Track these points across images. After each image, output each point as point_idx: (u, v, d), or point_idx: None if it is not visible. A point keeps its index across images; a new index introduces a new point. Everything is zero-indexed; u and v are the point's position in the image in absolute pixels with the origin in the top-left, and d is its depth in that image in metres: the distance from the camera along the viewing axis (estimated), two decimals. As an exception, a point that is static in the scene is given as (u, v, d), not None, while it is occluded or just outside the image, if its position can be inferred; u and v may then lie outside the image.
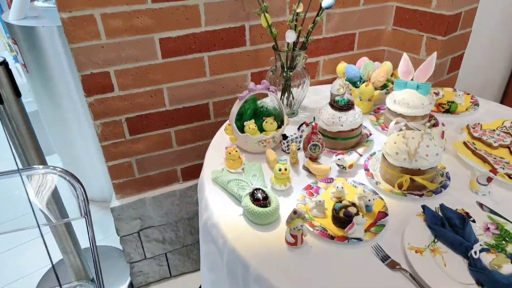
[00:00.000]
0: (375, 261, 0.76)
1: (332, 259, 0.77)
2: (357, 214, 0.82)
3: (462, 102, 1.30)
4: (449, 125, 1.19)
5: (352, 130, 1.07)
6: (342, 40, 1.51)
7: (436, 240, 0.79)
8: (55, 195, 1.27)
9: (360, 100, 1.28)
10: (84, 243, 1.92)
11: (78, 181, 1.07)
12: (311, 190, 0.94)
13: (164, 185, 1.53)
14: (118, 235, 1.55)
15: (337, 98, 1.10)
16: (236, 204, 0.92)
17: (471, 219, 0.82)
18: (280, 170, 0.92)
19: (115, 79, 1.22)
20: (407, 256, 0.75)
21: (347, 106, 1.07)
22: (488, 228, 0.80)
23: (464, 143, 1.07)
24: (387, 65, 1.31)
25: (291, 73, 1.21)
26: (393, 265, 0.74)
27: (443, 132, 1.05)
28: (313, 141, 0.98)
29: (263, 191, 0.88)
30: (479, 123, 1.15)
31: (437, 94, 1.31)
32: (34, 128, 2.47)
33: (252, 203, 0.86)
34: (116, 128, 1.32)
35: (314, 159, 1.01)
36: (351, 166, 0.99)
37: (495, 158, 1.00)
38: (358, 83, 1.35)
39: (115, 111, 1.29)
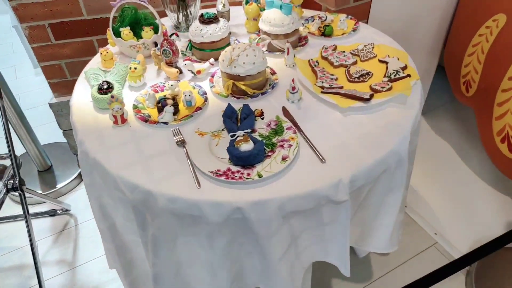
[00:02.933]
0: (172, 140, 0.97)
1: (140, 135, 0.99)
2: (173, 105, 1.01)
3: (345, 27, 1.38)
4: (319, 47, 1.30)
5: (214, 42, 1.21)
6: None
7: (223, 129, 0.97)
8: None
9: (247, 19, 1.39)
10: (44, 139, 2.26)
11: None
12: (156, 88, 1.13)
13: (95, 89, 1.76)
14: (61, 129, 1.84)
15: (204, 12, 1.23)
16: (93, 93, 1.13)
17: (262, 116, 0.99)
18: (130, 68, 1.11)
19: (31, -15, 1.40)
20: (191, 137, 0.95)
21: (209, 20, 1.20)
22: (270, 124, 0.98)
23: (309, 60, 1.19)
24: (277, -14, 1.39)
25: (180, -11, 1.33)
26: (180, 142, 0.94)
27: (288, 48, 1.18)
28: (164, 47, 1.14)
29: (109, 83, 1.08)
30: (334, 45, 1.25)
31: (321, 18, 1.40)
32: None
33: (97, 91, 1.07)
34: (41, 32, 1.53)
35: (170, 64, 1.18)
36: (199, 72, 1.16)
37: (324, 74, 1.13)
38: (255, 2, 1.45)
39: (38, 16, 1.49)
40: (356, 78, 1.11)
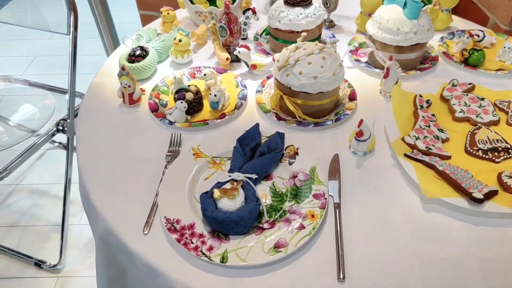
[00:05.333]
0: (164, 148, 0.70)
1: (139, 127, 0.75)
2: (191, 102, 0.75)
3: (508, 59, 0.86)
4: (448, 79, 0.83)
5: (292, 32, 0.88)
6: None
7: (230, 158, 0.66)
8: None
9: (361, 13, 0.99)
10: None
11: (72, 3, 1.24)
12: (196, 72, 0.87)
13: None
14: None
15: (295, -11, 0.89)
16: (130, 57, 0.94)
17: (292, 159, 0.64)
18: (175, 39, 0.88)
19: None
20: (184, 154, 0.67)
21: (295, 1, 0.86)
22: (296, 176, 0.62)
23: (416, 96, 0.75)
24: (421, -25, 0.94)
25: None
26: (172, 154, 0.68)
27: (387, 69, 0.77)
28: (220, 23, 0.86)
29: (144, 50, 0.87)
30: (471, 83, 0.77)
31: (473, 36, 0.89)
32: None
33: (126, 57, 0.87)
34: (145, -22, 1.42)
35: (227, 46, 0.90)
36: (254, 66, 0.85)
37: (429, 125, 0.69)
38: (382, -7, 1.03)
39: (144, -41, 1.37)
40: (479, 151, 0.65)
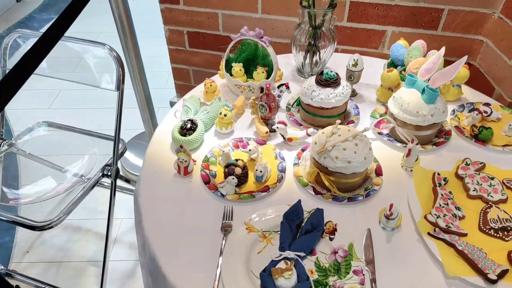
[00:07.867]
0: (218, 218, 0.82)
1: (193, 197, 0.87)
2: (240, 176, 0.87)
3: (514, 136, 0.98)
4: (461, 154, 0.95)
5: (322, 108, 1.00)
6: (421, 14, 1.25)
7: (278, 231, 0.78)
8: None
9: (381, 86, 1.12)
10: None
11: (120, 60, 1.37)
12: (239, 143, 0.99)
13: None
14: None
15: (325, 70, 1.02)
16: (178, 126, 1.07)
17: (332, 235, 0.76)
18: (220, 113, 1.00)
19: (181, -6, 1.42)
20: (237, 228, 0.78)
21: (326, 82, 0.99)
22: (337, 252, 0.73)
23: (435, 174, 0.87)
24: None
25: (315, 31, 1.14)
26: (224, 230, 0.79)
27: (409, 150, 0.88)
28: (261, 101, 0.99)
29: (193, 124, 0.99)
30: (482, 163, 0.88)
31: (482, 113, 1.02)
32: None
33: (178, 130, 0.99)
34: (179, 37, 1.56)
35: (265, 120, 1.03)
36: (290, 139, 0.97)
37: (447, 204, 0.80)
38: (400, 67, 1.16)
39: (180, 22, 1.51)
40: (491, 230, 0.76)
